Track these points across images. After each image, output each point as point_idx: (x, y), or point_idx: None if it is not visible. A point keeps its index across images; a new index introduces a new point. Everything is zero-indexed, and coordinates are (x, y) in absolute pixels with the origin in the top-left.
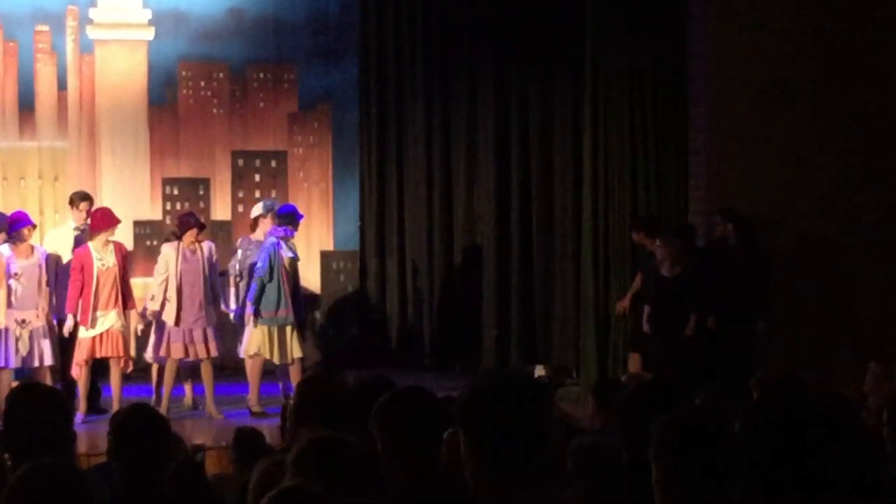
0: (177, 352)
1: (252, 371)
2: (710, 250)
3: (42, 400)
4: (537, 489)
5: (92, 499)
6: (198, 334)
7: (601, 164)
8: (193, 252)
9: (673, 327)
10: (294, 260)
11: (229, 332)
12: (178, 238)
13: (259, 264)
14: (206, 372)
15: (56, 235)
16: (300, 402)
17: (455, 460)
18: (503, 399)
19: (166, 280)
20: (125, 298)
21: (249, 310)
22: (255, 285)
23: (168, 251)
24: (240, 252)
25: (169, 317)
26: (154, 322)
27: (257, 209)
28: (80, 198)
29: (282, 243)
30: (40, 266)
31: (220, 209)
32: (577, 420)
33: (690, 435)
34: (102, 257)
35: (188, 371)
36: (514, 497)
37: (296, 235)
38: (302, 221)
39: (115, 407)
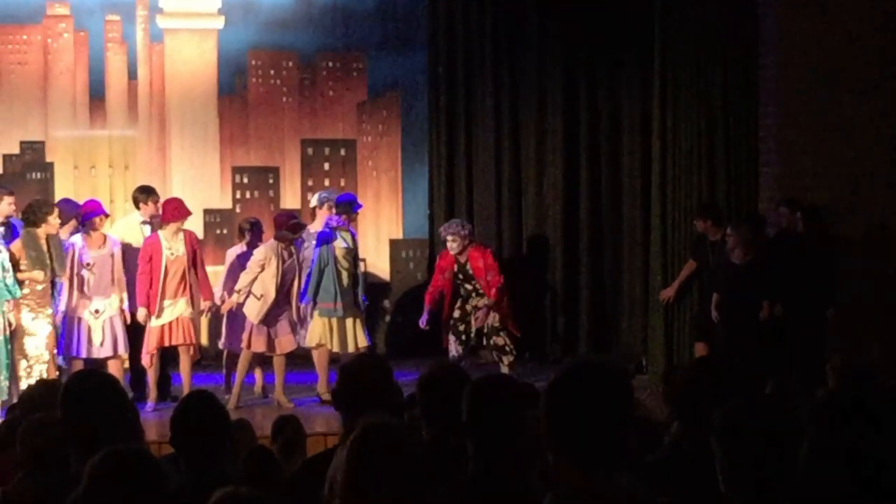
0: (259, 346)
1: (319, 360)
2: (779, 239)
3: (96, 387)
4: (613, 474)
5: (167, 484)
6: (282, 328)
7: (670, 152)
8: (291, 254)
9: (743, 315)
10: (348, 250)
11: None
12: (290, 241)
13: (314, 257)
14: (279, 361)
15: (124, 224)
16: (339, 391)
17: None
18: (587, 387)
19: (256, 277)
20: (197, 288)
21: (304, 300)
22: (308, 278)
23: (268, 252)
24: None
25: (254, 313)
26: (229, 311)
27: (314, 200)
28: (146, 194)
29: (335, 233)
30: (112, 255)
31: (290, 198)
32: (647, 409)
33: (756, 421)
34: (172, 246)
35: (259, 359)
36: (591, 480)
37: (357, 224)
38: (362, 210)
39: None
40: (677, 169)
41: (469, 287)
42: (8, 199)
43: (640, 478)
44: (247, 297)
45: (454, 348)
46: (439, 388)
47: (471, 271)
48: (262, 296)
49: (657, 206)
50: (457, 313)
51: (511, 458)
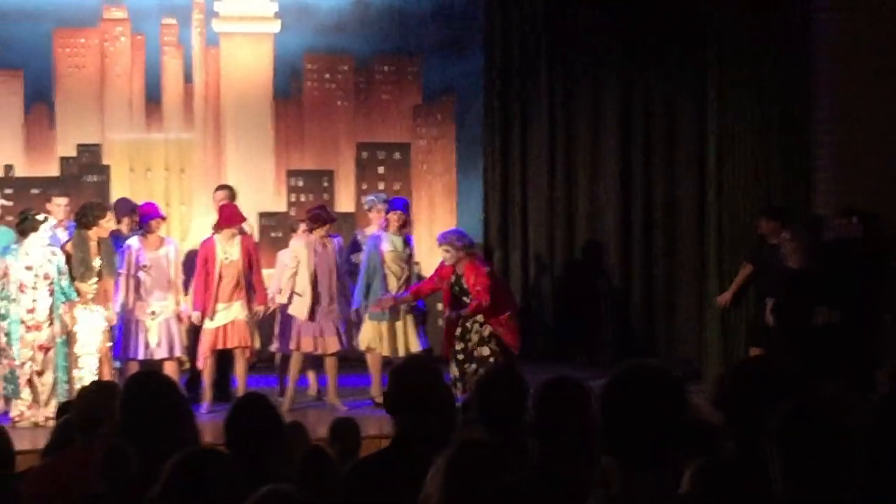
0: (307, 345)
1: (373, 363)
2: (836, 243)
3: (154, 389)
4: (663, 475)
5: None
6: (328, 328)
7: (725, 155)
8: (324, 246)
9: (799, 320)
10: (397, 254)
11: (354, 324)
12: (310, 231)
13: (363, 260)
14: (330, 363)
15: (200, 227)
16: (387, 393)
17: None
18: (640, 390)
19: (295, 274)
20: (253, 291)
21: (356, 304)
22: (360, 282)
23: (299, 245)
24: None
25: (299, 311)
26: (279, 314)
27: (365, 204)
28: (218, 188)
29: (383, 236)
30: (168, 257)
31: (345, 201)
32: (703, 413)
33: (814, 424)
34: (227, 251)
35: (312, 361)
36: (641, 481)
37: (413, 228)
38: (416, 214)
39: None
40: (733, 173)
41: (466, 300)
42: (56, 200)
43: (691, 479)
44: (291, 296)
45: (452, 369)
46: (496, 390)
47: (465, 285)
48: (303, 292)
49: (712, 211)
50: (458, 345)
51: (574, 458)
